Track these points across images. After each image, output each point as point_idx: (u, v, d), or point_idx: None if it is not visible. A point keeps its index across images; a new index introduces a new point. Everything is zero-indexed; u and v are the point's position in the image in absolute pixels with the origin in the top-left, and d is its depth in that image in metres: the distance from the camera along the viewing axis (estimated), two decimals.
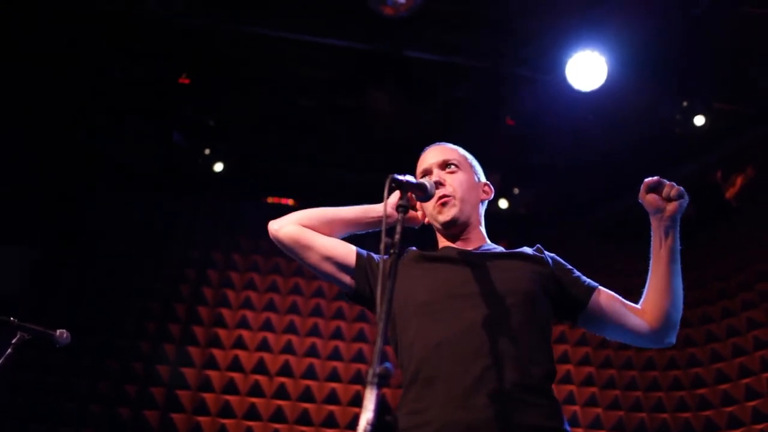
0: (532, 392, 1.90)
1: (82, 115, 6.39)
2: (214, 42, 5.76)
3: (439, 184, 2.25)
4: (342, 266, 2.25)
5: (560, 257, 2.28)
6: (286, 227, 2.27)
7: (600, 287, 2.19)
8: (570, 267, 2.24)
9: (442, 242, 2.35)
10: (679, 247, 2.13)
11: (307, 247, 2.25)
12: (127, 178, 6.96)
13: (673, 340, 2.15)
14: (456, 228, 2.28)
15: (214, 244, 6.81)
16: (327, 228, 2.30)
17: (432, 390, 1.92)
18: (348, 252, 2.26)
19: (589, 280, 2.21)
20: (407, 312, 2.09)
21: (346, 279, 2.25)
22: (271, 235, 2.30)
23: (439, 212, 2.25)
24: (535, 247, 2.27)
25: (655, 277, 2.15)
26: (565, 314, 2.19)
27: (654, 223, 2.17)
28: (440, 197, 2.24)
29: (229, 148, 6.63)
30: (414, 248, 2.32)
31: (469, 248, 2.26)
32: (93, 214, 6.73)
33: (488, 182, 2.45)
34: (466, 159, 2.43)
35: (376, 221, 2.32)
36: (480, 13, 5.48)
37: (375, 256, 2.27)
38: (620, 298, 2.20)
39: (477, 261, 2.14)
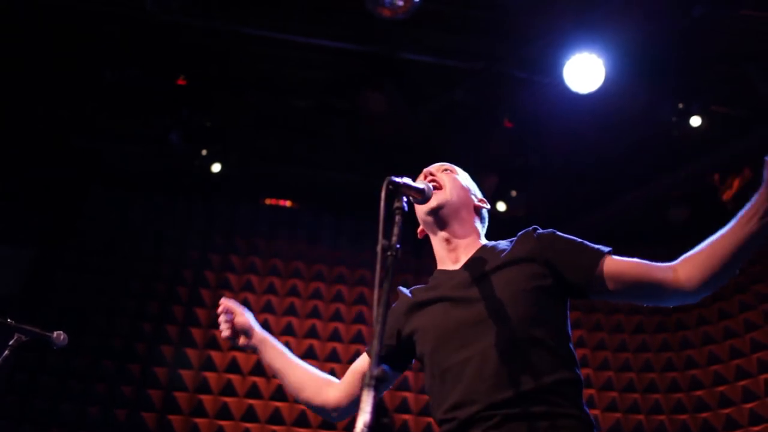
0: (550, 416, 1.86)
1: (79, 115, 6.39)
2: (210, 43, 5.76)
3: (429, 175, 2.30)
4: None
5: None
6: (336, 418, 2.34)
7: (610, 255, 2.03)
8: (572, 243, 2.09)
9: (440, 258, 2.31)
10: (760, 241, 1.87)
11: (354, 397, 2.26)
12: (124, 179, 6.96)
13: (706, 293, 2.02)
14: (441, 219, 2.24)
15: (211, 246, 6.80)
16: (303, 381, 2.32)
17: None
18: (364, 364, 2.28)
19: (596, 249, 2.05)
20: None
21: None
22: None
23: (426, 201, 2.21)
24: (530, 230, 2.19)
25: (717, 242, 1.92)
26: (575, 295, 2.09)
27: (760, 199, 1.87)
28: (429, 182, 2.23)
29: (226, 149, 6.64)
30: (403, 289, 2.32)
31: (463, 261, 2.21)
32: (90, 214, 6.72)
33: (484, 198, 2.43)
34: (464, 173, 2.44)
35: None
36: (477, 15, 5.49)
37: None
38: (637, 260, 2.02)
39: (468, 291, 2.08)
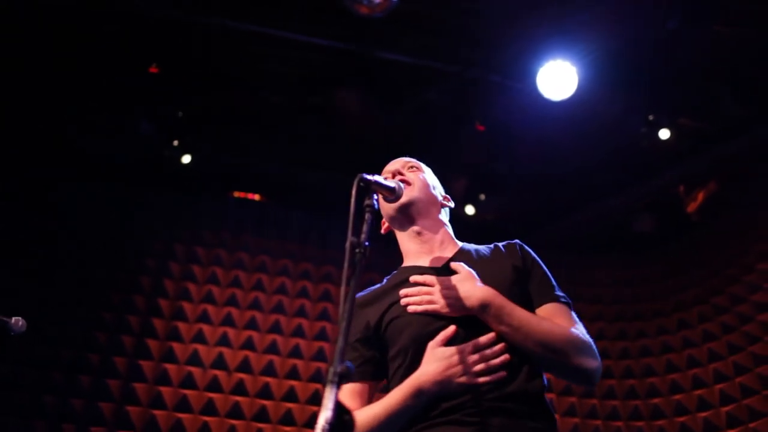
0: (525, 415, 1.91)
1: (45, 102, 6.26)
2: (186, 34, 5.69)
3: (397, 173, 2.32)
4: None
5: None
6: None
7: (560, 303, 2.10)
8: (544, 272, 2.19)
9: (410, 253, 2.32)
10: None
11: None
12: (91, 168, 6.83)
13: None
14: (411, 216, 2.27)
15: (177, 236, 6.72)
16: None
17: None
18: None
19: (556, 289, 2.14)
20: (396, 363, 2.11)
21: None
22: None
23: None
24: (514, 242, 2.24)
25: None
26: None
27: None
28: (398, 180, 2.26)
29: (197, 140, 6.57)
30: (371, 289, 2.29)
31: (436, 256, 2.24)
32: (53, 202, 6.58)
33: (447, 195, 2.48)
34: (428, 169, 2.49)
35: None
36: (454, 18, 5.50)
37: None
38: (561, 325, 2.03)
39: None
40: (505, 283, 2.06)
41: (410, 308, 2.03)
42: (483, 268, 2.11)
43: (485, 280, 2.03)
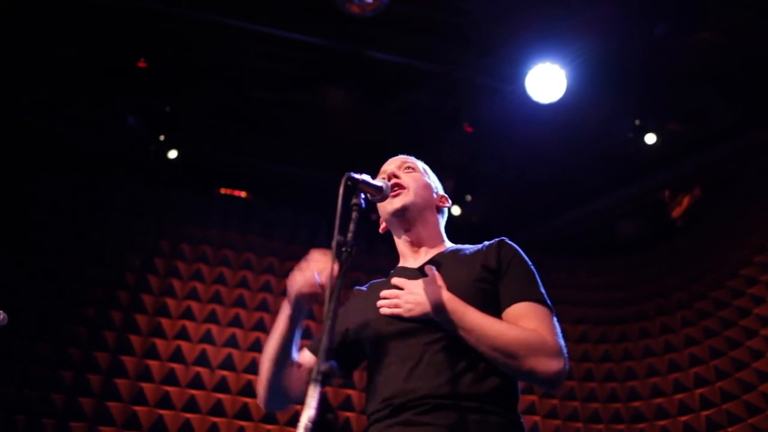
0: (480, 412, 1.90)
1: (32, 96, 6.20)
2: (174, 30, 5.66)
3: (393, 176, 2.29)
4: None
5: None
6: (267, 401, 2.21)
7: (537, 304, 2.04)
8: (523, 272, 2.13)
9: (403, 255, 2.35)
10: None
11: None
12: (77, 161, 6.78)
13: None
14: (406, 221, 2.28)
15: (162, 232, 6.69)
16: (284, 357, 2.17)
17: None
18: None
19: (537, 289, 2.09)
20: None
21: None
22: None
23: (390, 202, 2.24)
24: (496, 241, 2.21)
25: None
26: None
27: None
28: (393, 187, 2.25)
29: (184, 136, 6.54)
30: (362, 288, 2.36)
31: (423, 259, 2.26)
32: (36, 195, 6.53)
33: (446, 195, 2.47)
34: (425, 168, 2.47)
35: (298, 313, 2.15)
36: (445, 19, 5.51)
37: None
38: (533, 329, 1.97)
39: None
40: (467, 286, 2.05)
41: (381, 310, 2.10)
42: (452, 270, 2.13)
43: (449, 283, 2.04)
